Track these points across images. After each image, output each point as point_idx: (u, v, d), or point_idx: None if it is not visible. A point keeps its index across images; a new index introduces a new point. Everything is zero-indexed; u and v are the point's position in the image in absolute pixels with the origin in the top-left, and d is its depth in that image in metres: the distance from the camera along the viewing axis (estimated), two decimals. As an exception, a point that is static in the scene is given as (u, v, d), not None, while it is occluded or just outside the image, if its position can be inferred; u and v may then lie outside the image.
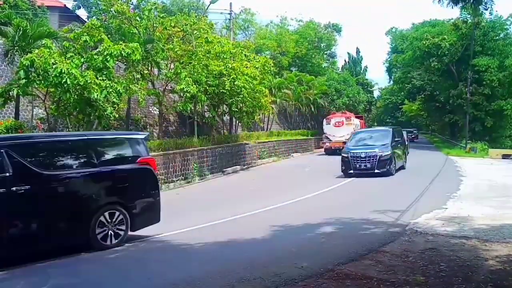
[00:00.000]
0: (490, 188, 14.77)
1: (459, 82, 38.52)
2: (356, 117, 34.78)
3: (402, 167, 19.79)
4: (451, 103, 39.41)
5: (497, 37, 38.51)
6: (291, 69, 44.92)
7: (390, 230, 8.95)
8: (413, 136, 51.67)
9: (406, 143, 23.62)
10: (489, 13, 25.22)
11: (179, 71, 18.58)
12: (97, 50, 14.61)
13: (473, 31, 35.82)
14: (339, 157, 19.07)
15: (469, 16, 35.02)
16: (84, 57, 14.68)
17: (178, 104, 20.04)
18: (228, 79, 20.29)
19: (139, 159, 8.73)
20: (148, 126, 22.46)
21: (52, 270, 7.21)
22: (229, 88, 20.49)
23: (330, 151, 29.54)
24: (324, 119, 33.46)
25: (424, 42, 38.82)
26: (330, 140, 30.97)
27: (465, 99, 36.30)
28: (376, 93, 75.36)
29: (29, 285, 6.55)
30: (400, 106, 69.30)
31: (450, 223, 9.34)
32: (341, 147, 24.01)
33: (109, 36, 16.28)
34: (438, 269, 6.24)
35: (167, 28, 19.24)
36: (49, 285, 6.44)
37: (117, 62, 15.79)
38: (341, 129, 30.68)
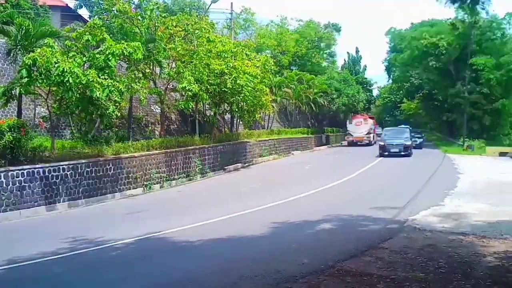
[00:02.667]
0: (487, 185, 14.93)
1: (457, 81, 38.64)
2: (369, 118, 43.87)
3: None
4: (449, 101, 39.57)
5: (494, 37, 38.59)
6: (291, 68, 45.02)
7: (388, 226, 9.10)
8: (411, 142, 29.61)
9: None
10: (486, 12, 25.11)
11: (181, 70, 18.67)
12: (99, 49, 14.59)
13: (470, 31, 35.90)
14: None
15: (466, 15, 35.02)
16: (86, 56, 14.69)
17: (180, 103, 20.08)
18: (229, 78, 20.38)
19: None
20: (150, 125, 22.55)
21: (54, 266, 7.37)
22: (230, 87, 20.57)
23: (352, 144, 39.72)
24: (348, 120, 42.79)
25: (423, 42, 38.93)
26: (352, 135, 40.75)
27: (463, 97, 36.44)
28: (375, 92, 75.29)
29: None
30: (399, 105, 69.25)
31: (448, 219, 9.49)
32: (361, 141, 39.14)
33: (111, 35, 16.30)
34: (437, 265, 6.37)
35: (169, 28, 19.29)
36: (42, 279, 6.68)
37: (119, 61, 15.83)
38: (360, 127, 40.42)
